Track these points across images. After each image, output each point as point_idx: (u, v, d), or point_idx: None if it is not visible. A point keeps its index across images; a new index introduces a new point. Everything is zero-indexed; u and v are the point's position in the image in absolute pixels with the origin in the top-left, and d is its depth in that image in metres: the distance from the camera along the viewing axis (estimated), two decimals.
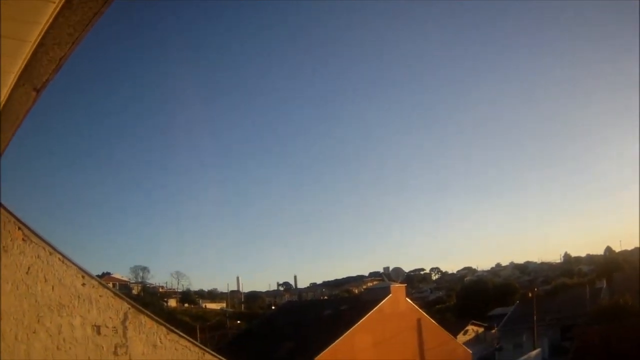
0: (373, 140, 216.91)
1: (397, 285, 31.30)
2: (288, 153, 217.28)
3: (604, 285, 54.98)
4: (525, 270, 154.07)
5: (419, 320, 31.05)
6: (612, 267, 78.46)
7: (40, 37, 3.88)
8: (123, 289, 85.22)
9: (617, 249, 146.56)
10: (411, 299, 33.38)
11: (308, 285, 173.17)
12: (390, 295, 29.68)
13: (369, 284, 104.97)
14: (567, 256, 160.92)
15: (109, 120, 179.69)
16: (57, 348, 8.83)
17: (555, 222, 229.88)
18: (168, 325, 11.41)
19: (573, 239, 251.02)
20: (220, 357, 12.19)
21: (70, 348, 9.34)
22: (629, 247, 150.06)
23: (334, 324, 28.56)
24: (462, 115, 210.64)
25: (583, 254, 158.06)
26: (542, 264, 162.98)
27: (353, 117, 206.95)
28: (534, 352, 31.93)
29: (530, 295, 47.56)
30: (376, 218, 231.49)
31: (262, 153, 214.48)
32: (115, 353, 10.59)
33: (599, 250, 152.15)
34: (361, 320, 27.77)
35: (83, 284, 10.14)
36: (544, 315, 45.91)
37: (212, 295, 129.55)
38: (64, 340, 9.11)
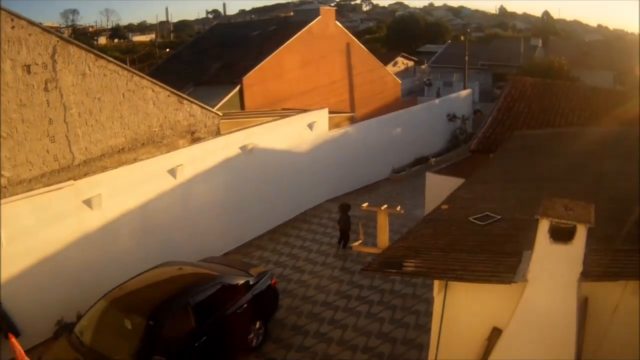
0: None
1: (327, 7, 29.18)
2: None
3: (540, 45, 53.92)
4: (458, 14, 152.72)
5: (348, 45, 30.26)
6: (549, 29, 77.28)
7: None
8: None
9: (555, 16, 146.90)
10: None
11: (237, 12, 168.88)
12: (320, 17, 28.45)
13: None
14: (502, 9, 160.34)
15: None
16: None
17: None
18: (96, 52, 12.39)
19: None
20: (146, 77, 13.73)
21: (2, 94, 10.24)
22: (568, 18, 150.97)
23: (262, 45, 27.59)
24: None
25: (519, 11, 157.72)
26: (476, 11, 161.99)
27: None
28: (464, 92, 31.30)
29: (462, 38, 46.07)
30: None
31: None
32: (45, 89, 11.20)
33: (536, 13, 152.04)
34: (289, 41, 26.78)
35: (12, 27, 10.35)
36: (475, 59, 45.00)
37: (142, 28, 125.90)
38: None
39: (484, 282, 6.35)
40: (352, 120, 23.03)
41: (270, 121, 17.54)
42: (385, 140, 23.06)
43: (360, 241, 12.34)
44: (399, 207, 11.75)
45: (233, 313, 10.48)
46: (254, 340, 11.02)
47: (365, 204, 12.22)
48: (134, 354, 8.86)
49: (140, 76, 13.55)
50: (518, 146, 14.02)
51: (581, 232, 5.65)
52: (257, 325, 11.10)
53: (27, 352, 8.93)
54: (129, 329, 9.38)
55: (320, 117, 19.29)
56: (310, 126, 18.72)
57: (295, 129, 18.21)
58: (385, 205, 11.97)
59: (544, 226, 5.83)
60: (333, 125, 20.60)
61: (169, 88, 14.23)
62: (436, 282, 7.15)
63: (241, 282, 10.91)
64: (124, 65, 13.28)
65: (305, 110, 19.69)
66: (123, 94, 12.99)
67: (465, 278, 6.49)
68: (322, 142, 19.42)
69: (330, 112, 20.07)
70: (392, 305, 12.54)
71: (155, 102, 13.80)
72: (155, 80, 13.85)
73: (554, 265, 5.85)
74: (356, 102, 29.28)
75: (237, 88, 23.44)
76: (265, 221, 17.35)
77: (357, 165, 21.35)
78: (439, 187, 17.57)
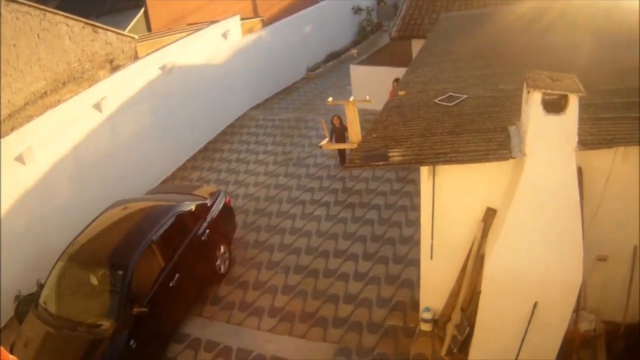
0: None
1: None
2: None
3: None
4: None
5: None
6: None
7: None
8: None
9: None
10: None
11: None
12: None
13: None
14: None
15: None
16: None
17: None
18: None
19: None
20: (59, 12, 13.08)
21: None
22: None
23: None
24: None
25: None
26: None
27: None
28: None
29: None
30: None
31: None
32: None
33: None
34: None
35: None
36: None
37: None
38: None
39: (482, 161, 6.23)
40: (264, 24, 21.98)
41: (185, 36, 16.37)
42: (297, 39, 22.28)
43: (327, 139, 11.86)
44: (367, 96, 11.06)
45: (197, 241, 10.02)
46: (221, 267, 10.68)
47: (330, 99, 11.50)
48: (109, 311, 8.12)
49: (53, 12, 12.81)
50: (448, 28, 13.80)
51: (573, 102, 5.59)
52: (222, 249, 10.71)
53: None
54: (96, 284, 8.59)
55: (233, 25, 18.19)
56: (224, 35, 17.66)
57: (210, 40, 17.09)
58: (353, 97, 11.34)
59: (536, 98, 5.68)
60: (246, 31, 19.56)
61: (82, 19, 13.45)
62: (423, 169, 7.02)
63: (198, 206, 10.41)
64: (36, 5, 12.49)
65: (215, 22, 18.47)
66: (38, 34, 12.33)
67: (460, 160, 6.34)
68: (238, 49, 18.42)
69: (241, 19, 19.00)
70: (349, 204, 12.48)
71: (71, 36, 13.12)
72: (68, 14, 13.12)
73: (551, 136, 5.79)
74: (258, 6, 27.89)
75: (142, 11, 21.61)
76: (195, 140, 16.61)
77: (272, 69, 20.57)
78: (364, 77, 17.40)
